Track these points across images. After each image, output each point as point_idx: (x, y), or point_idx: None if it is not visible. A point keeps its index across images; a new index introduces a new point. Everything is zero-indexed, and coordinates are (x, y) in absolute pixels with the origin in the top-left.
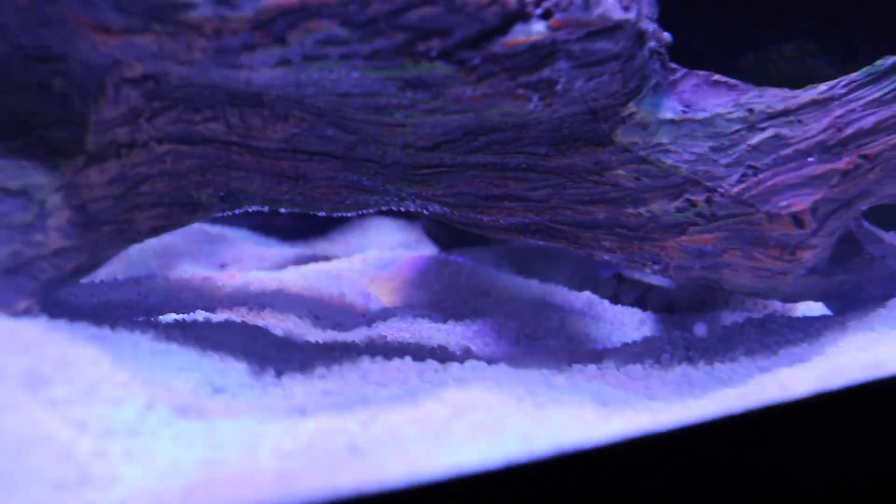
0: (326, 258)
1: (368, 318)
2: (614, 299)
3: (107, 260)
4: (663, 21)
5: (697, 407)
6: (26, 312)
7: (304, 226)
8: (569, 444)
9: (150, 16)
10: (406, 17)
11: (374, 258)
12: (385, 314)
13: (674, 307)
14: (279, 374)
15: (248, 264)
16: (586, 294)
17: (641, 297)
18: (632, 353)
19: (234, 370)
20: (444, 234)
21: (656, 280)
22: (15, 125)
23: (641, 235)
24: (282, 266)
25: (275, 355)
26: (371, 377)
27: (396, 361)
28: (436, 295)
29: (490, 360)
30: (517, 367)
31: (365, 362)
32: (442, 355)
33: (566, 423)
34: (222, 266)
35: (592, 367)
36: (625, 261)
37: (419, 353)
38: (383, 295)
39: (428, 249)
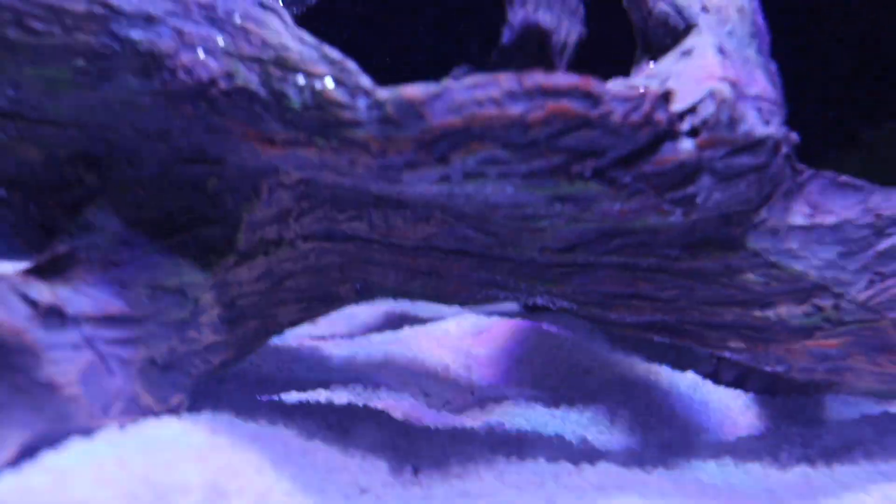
0: (416, 318)
1: (478, 397)
2: (714, 377)
3: (250, 353)
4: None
5: None
6: (179, 406)
7: None
8: None
9: (315, 131)
10: (564, 140)
11: (470, 324)
12: (495, 394)
13: (776, 389)
14: (415, 471)
15: (337, 323)
16: (690, 375)
17: (741, 377)
18: (748, 449)
19: (375, 468)
20: None
21: None
22: (170, 224)
23: (767, 337)
24: (371, 325)
25: (405, 447)
26: (508, 479)
27: (530, 463)
28: (538, 370)
29: (610, 454)
30: (645, 468)
31: (500, 463)
32: (561, 446)
33: None
34: (312, 322)
35: (712, 465)
36: (750, 360)
37: (539, 444)
38: (483, 367)
39: (509, 307)
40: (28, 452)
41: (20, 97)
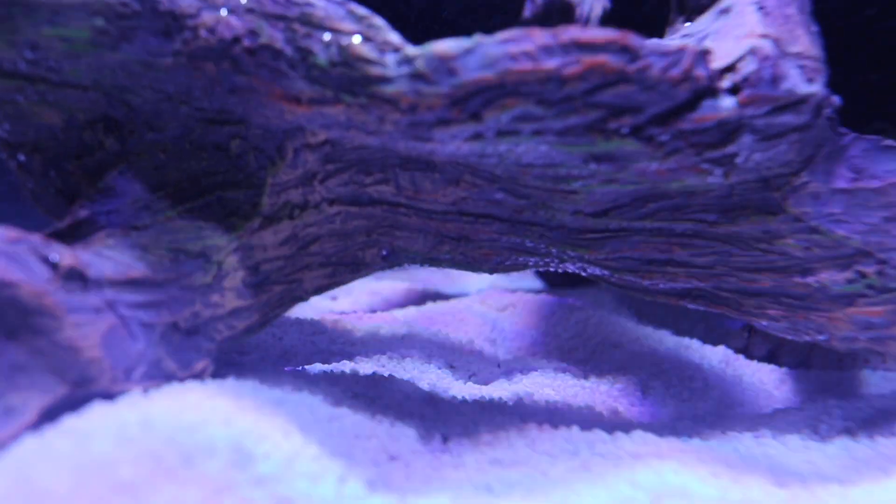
0: (437, 293)
1: (504, 369)
2: (745, 352)
3: (274, 319)
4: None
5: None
6: (203, 372)
7: None
8: None
9: (343, 88)
10: (600, 96)
11: (494, 300)
12: (522, 366)
13: (810, 363)
14: (445, 439)
15: (359, 298)
16: (721, 349)
17: (774, 351)
18: (786, 422)
19: (404, 436)
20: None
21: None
22: (192, 187)
23: (808, 305)
24: (393, 301)
25: (432, 416)
26: (540, 447)
27: (563, 431)
28: (565, 344)
29: (643, 424)
30: (681, 438)
31: (532, 431)
32: (592, 417)
33: None
34: (333, 298)
35: (749, 437)
36: (788, 330)
37: (569, 414)
38: (508, 340)
39: (532, 284)
40: (49, 416)
41: (39, 59)
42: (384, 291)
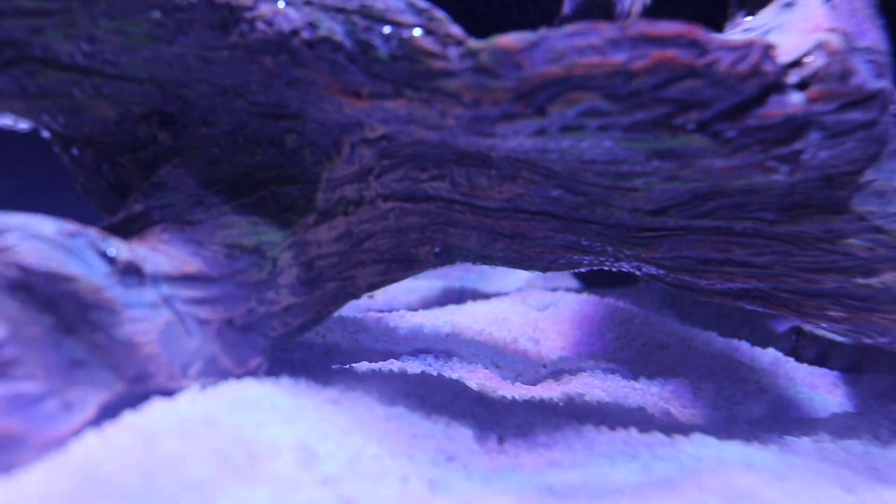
0: (476, 292)
1: (552, 370)
2: (794, 355)
3: (328, 316)
4: None
5: None
6: (258, 369)
7: None
8: None
9: (404, 82)
10: (668, 91)
11: (535, 299)
12: (569, 366)
13: (861, 368)
14: (500, 440)
15: (396, 296)
16: (772, 351)
17: (823, 354)
18: (845, 426)
19: (461, 436)
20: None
21: (839, 336)
22: (247, 182)
23: (870, 307)
24: (430, 299)
25: (485, 416)
26: (598, 449)
27: (621, 433)
28: (610, 345)
29: (699, 427)
30: (742, 442)
31: (590, 433)
32: (647, 419)
33: None
34: (370, 296)
35: (807, 442)
36: (849, 332)
37: (622, 416)
38: (550, 340)
39: (569, 284)
40: (108, 412)
41: (96, 52)
42: (422, 289)
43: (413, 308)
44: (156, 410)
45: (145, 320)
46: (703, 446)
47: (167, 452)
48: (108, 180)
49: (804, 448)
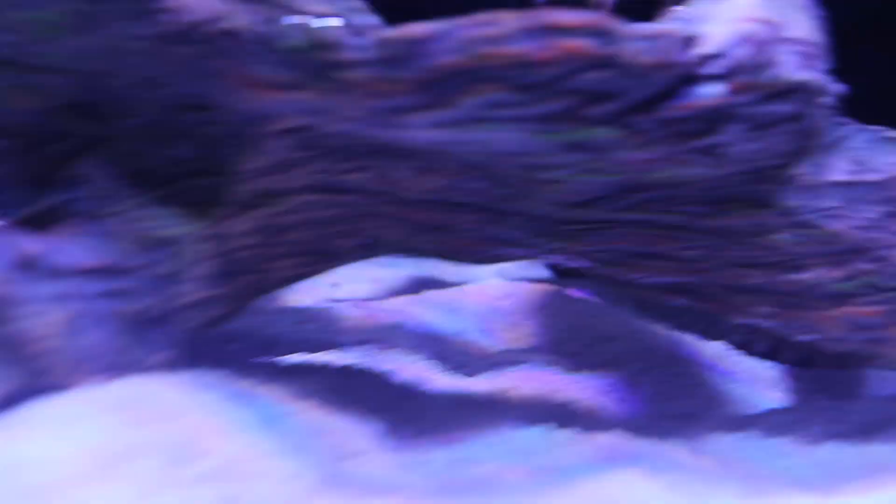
0: (437, 281)
1: (494, 361)
2: (745, 348)
3: (243, 310)
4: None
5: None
6: (168, 363)
7: None
8: None
9: (312, 73)
10: (577, 81)
11: (493, 289)
12: (513, 359)
13: (813, 361)
14: (410, 436)
15: (361, 285)
16: (717, 345)
17: (775, 348)
18: (774, 424)
19: (370, 431)
20: None
21: None
22: (163, 173)
23: (800, 303)
24: (396, 290)
25: (406, 410)
26: (515, 444)
27: (540, 428)
28: (560, 336)
29: (625, 423)
30: (663, 438)
31: (507, 429)
32: (575, 414)
33: None
34: (335, 285)
35: (733, 438)
36: (781, 328)
37: (554, 410)
38: (500, 331)
39: (542, 274)
40: (3, 407)
41: (16, 42)
42: (388, 279)
43: (379, 297)
44: (40, 407)
45: (48, 314)
46: (619, 443)
47: (30, 450)
48: (26, 173)
49: (730, 445)
